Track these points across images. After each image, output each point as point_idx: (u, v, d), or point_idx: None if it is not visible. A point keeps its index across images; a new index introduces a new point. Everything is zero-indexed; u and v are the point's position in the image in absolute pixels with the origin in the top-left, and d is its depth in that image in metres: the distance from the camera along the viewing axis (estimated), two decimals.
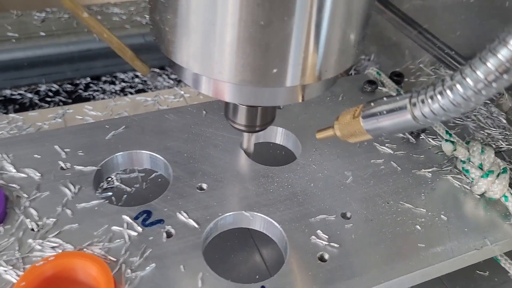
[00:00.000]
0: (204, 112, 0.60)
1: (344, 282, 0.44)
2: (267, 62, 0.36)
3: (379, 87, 0.67)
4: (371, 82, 0.67)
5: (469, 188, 0.54)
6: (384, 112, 0.40)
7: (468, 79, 0.33)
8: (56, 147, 0.53)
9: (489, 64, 0.32)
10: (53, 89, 0.95)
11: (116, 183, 0.65)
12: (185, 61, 0.39)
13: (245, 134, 0.54)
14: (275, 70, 0.37)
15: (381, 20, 0.88)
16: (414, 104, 0.37)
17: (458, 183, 0.55)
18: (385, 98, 0.41)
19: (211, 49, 0.37)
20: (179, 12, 0.37)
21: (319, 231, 0.48)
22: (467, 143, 0.56)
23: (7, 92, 0.92)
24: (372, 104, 0.42)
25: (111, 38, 0.45)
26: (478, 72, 0.32)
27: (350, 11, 0.37)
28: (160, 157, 0.53)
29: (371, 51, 0.95)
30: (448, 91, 0.34)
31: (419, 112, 0.37)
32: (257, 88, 0.40)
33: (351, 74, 0.86)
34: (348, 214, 0.50)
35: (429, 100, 0.36)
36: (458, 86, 0.34)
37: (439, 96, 0.35)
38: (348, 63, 0.41)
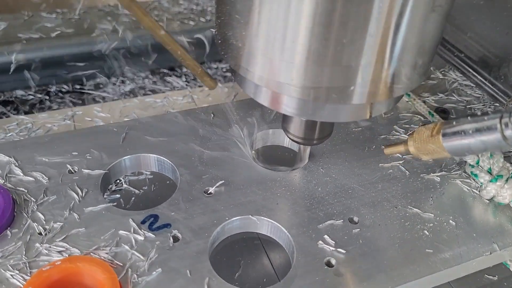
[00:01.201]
0: (212, 115, 0.60)
1: (351, 287, 0.43)
2: (345, 80, 0.36)
3: None
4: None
5: (478, 192, 0.54)
6: (470, 131, 0.39)
7: None
8: (64, 150, 0.53)
9: None
10: (63, 90, 0.95)
11: (125, 186, 0.65)
12: (258, 77, 0.39)
13: (301, 147, 0.53)
14: (352, 88, 0.37)
15: None
16: (506, 125, 0.36)
17: (467, 187, 0.54)
18: (469, 118, 0.40)
19: (289, 67, 0.36)
20: (254, 29, 0.36)
21: (326, 236, 0.47)
22: None
23: (18, 92, 0.93)
24: (454, 122, 0.41)
25: (184, 56, 0.47)
26: None
27: (426, 31, 0.37)
28: (168, 160, 0.54)
29: None
30: None
31: (511, 132, 0.36)
32: (321, 105, 0.39)
33: None
34: (356, 219, 0.50)
35: None
36: None
37: None
38: (420, 79, 0.41)
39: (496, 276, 0.62)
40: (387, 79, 0.37)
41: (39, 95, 0.93)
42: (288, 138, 0.59)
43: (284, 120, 0.49)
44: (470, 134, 0.40)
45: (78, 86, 0.96)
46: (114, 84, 0.98)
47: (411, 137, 0.45)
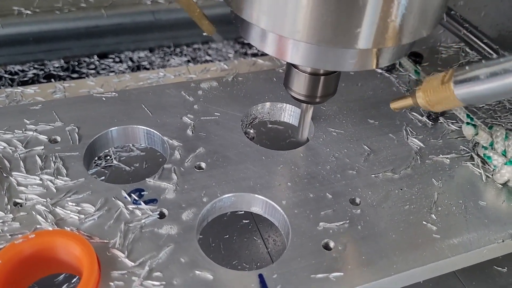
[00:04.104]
0: (207, 88, 0.57)
1: (350, 272, 0.40)
2: (350, 22, 0.34)
3: (397, 66, 0.63)
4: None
5: (490, 176, 0.50)
6: (483, 76, 0.36)
7: None
8: (48, 119, 0.50)
9: None
10: (58, 65, 0.92)
11: (115, 162, 0.62)
12: (257, 19, 0.36)
13: (303, 107, 0.50)
14: (358, 30, 0.34)
15: None
16: None
17: (479, 170, 0.50)
18: (483, 61, 0.37)
19: (288, 5, 0.34)
20: None
21: (324, 217, 0.44)
22: (490, 128, 0.51)
23: (12, 67, 0.90)
24: (466, 67, 0.38)
25: None
26: None
27: None
28: (157, 133, 0.50)
29: None
30: None
31: None
32: (326, 49, 0.37)
33: None
34: (358, 200, 0.46)
35: None
36: None
37: None
38: (430, 28, 0.38)
39: (506, 268, 0.58)
40: (395, 23, 0.35)
41: (34, 71, 0.90)
42: (291, 114, 0.56)
43: (286, 77, 0.46)
44: (484, 79, 0.36)
45: (74, 63, 0.93)
46: (112, 61, 0.95)
47: (419, 88, 0.42)
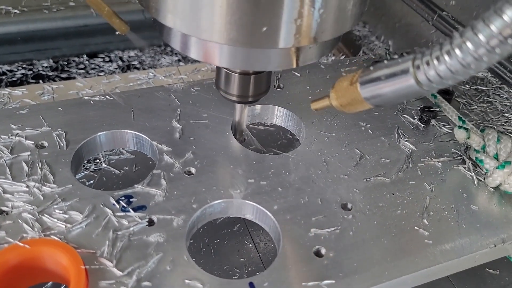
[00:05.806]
0: (196, 90, 0.56)
1: (342, 280, 0.39)
2: (256, 19, 0.33)
3: None
4: (379, 63, 0.62)
5: (482, 180, 0.50)
6: (383, 77, 0.35)
7: (480, 35, 0.28)
8: (35, 124, 0.49)
9: (505, 17, 0.27)
10: (46, 65, 0.91)
11: (104, 165, 0.61)
12: (172, 20, 0.36)
13: (237, 107, 0.50)
14: (264, 29, 0.34)
15: (393, 2, 0.84)
16: (418, 67, 0.32)
17: (471, 174, 0.50)
18: (386, 61, 0.35)
19: (198, 4, 0.33)
20: None
21: (316, 223, 0.43)
22: (482, 131, 0.51)
23: (0, 67, 0.89)
24: (371, 68, 0.37)
25: None
26: (493, 27, 0.27)
27: None
28: (146, 137, 0.49)
29: (382, 33, 0.90)
30: (457, 50, 0.29)
31: (423, 76, 0.32)
32: (247, 50, 0.37)
33: (360, 55, 0.82)
34: (349, 205, 0.46)
35: (435, 62, 0.31)
36: (468, 43, 0.29)
37: (446, 57, 0.30)
38: (346, 25, 0.38)
39: (498, 270, 0.58)
40: (311, 21, 0.34)
41: (22, 71, 0.88)
42: (282, 116, 0.56)
43: (217, 79, 0.47)
44: (384, 81, 0.35)
45: (63, 63, 0.92)
46: (101, 61, 0.94)
47: (332, 89, 0.41)
